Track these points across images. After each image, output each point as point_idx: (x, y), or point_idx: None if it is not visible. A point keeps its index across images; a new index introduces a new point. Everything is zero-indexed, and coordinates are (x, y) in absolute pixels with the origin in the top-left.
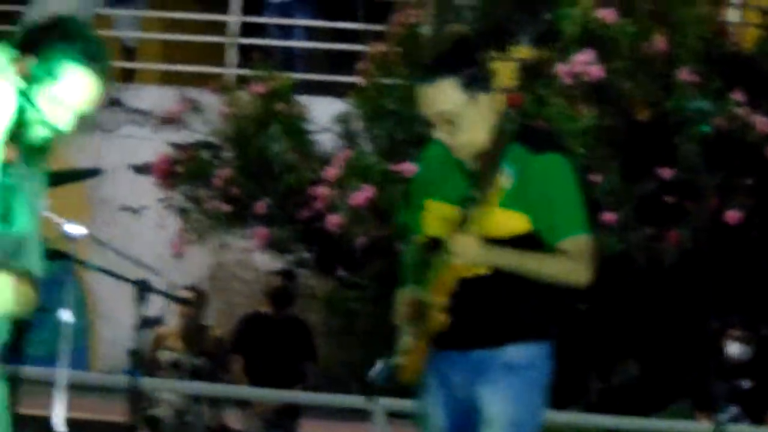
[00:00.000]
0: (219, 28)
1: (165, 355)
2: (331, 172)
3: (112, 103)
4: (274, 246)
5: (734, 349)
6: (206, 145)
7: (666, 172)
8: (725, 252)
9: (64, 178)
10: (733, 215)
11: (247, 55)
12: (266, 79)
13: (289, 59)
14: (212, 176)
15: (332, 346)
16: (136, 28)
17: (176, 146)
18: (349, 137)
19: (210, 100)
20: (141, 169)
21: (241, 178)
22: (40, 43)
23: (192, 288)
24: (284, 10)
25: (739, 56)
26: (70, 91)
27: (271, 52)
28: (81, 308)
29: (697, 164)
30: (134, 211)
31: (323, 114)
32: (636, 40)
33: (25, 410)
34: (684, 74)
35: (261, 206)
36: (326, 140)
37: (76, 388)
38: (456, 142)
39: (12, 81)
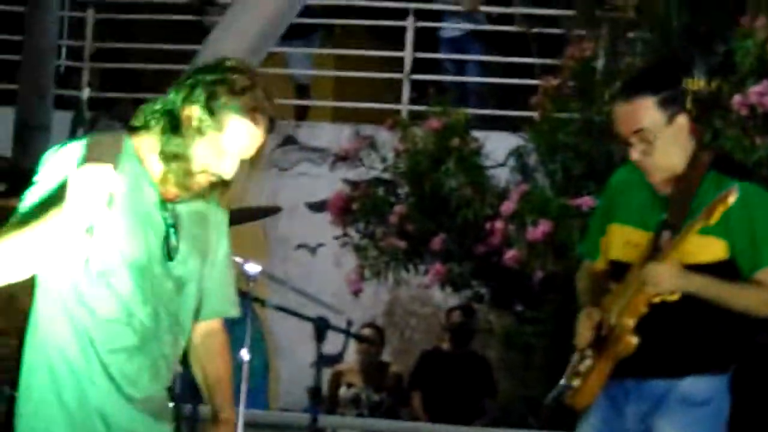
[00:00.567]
0: (392, 63)
1: (344, 392)
2: (508, 206)
3: (286, 140)
4: (450, 282)
5: None
6: (381, 182)
7: None
8: None
9: (241, 217)
10: None
11: (420, 91)
12: (441, 114)
13: (462, 94)
14: (388, 213)
15: (511, 382)
16: (310, 65)
17: (351, 183)
18: (524, 171)
19: (384, 136)
20: (317, 207)
21: (417, 214)
22: (205, 92)
23: (370, 325)
24: (457, 46)
25: None
26: (234, 140)
27: (445, 87)
28: (260, 347)
29: None
30: (311, 249)
31: (498, 149)
32: None
33: None
34: None
35: (437, 242)
36: (501, 175)
37: (255, 426)
38: (651, 162)
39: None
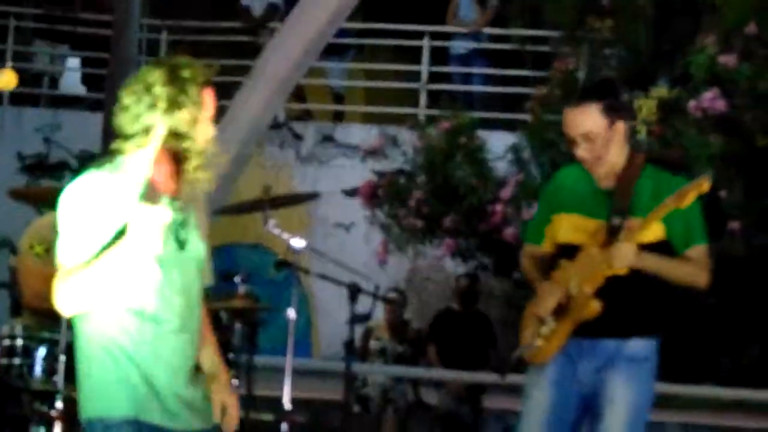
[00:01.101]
0: (411, 76)
1: (374, 345)
2: (506, 192)
3: (325, 139)
4: (459, 254)
5: None
6: (403, 173)
7: None
8: None
9: (288, 201)
10: None
11: (434, 98)
12: (451, 117)
13: (469, 101)
14: (408, 197)
15: (509, 336)
16: (344, 77)
17: (378, 173)
18: (520, 164)
19: (405, 135)
20: (350, 193)
21: (432, 198)
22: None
23: (395, 289)
24: (465, 61)
25: None
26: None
27: (455, 95)
28: (304, 307)
29: None
30: (345, 227)
31: (498, 145)
32: (753, 79)
33: (259, 392)
34: None
35: (448, 221)
36: (501, 167)
37: (300, 373)
38: (594, 161)
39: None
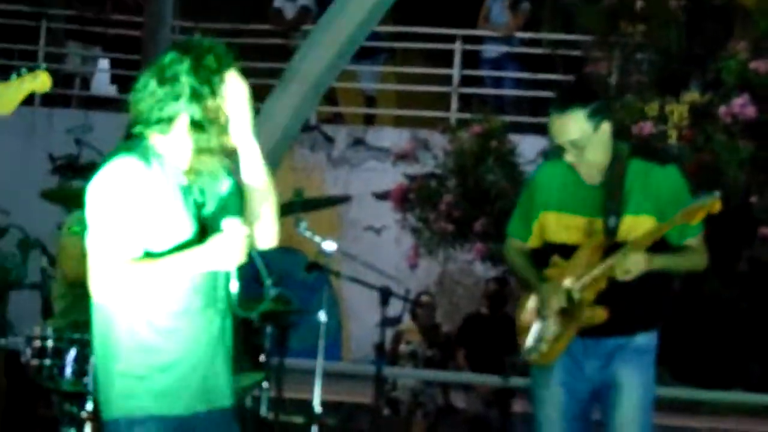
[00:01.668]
0: (443, 79)
1: (404, 348)
2: None
3: (356, 142)
4: (490, 258)
5: None
6: (434, 176)
7: None
8: None
9: (319, 204)
10: None
11: (466, 102)
12: (482, 121)
13: (500, 104)
14: (439, 201)
15: None
16: (376, 80)
17: (409, 177)
18: None
19: (436, 139)
20: (381, 196)
21: (463, 202)
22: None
23: (425, 293)
24: (497, 64)
25: None
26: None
27: (486, 99)
28: (334, 310)
29: None
30: (376, 230)
31: (529, 149)
32: None
33: (289, 394)
34: None
35: (479, 225)
36: (532, 171)
37: (330, 376)
38: (583, 163)
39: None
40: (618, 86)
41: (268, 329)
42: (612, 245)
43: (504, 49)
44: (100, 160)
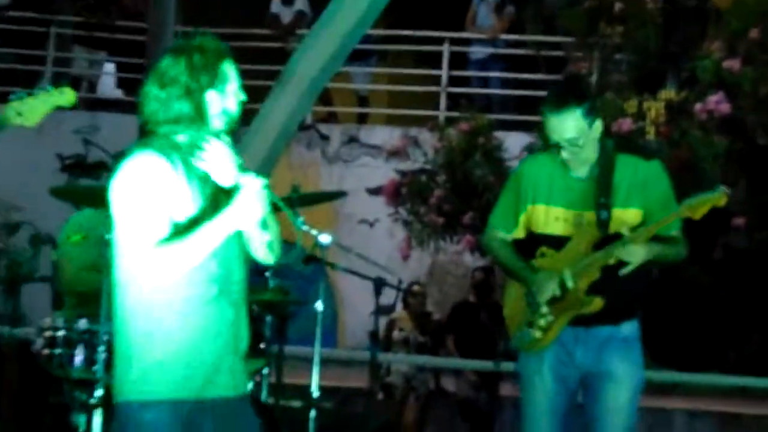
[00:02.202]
0: (432, 80)
1: (397, 335)
2: None
3: (350, 140)
4: (478, 249)
5: None
6: (424, 172)
7: None
8: None
9: (315, 199)
10: None
11: (454, 101)
12: (470, 119)
13: (487, 103)
14: (429, 196)
15: None
16: (368, 81)
17: (401, 173)
18: None
19: (426, 136)
20: (374, 191)
21: (452, 196)
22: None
23: (417, 282)
24: (483, 65)
25: None
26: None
27: (473, 98)
28: (330, 300)
29: None
30: (370, 224)
31: (515, 145)
32: (756, 83)
33: (288, 380)
34: None
35: (467, 218)
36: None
37: (327, 362)
38: (577, 160)
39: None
40: (598, 85)
41: (268, 318)
42: (603, 238)
43: (490, 50)
44: (108, 159)
